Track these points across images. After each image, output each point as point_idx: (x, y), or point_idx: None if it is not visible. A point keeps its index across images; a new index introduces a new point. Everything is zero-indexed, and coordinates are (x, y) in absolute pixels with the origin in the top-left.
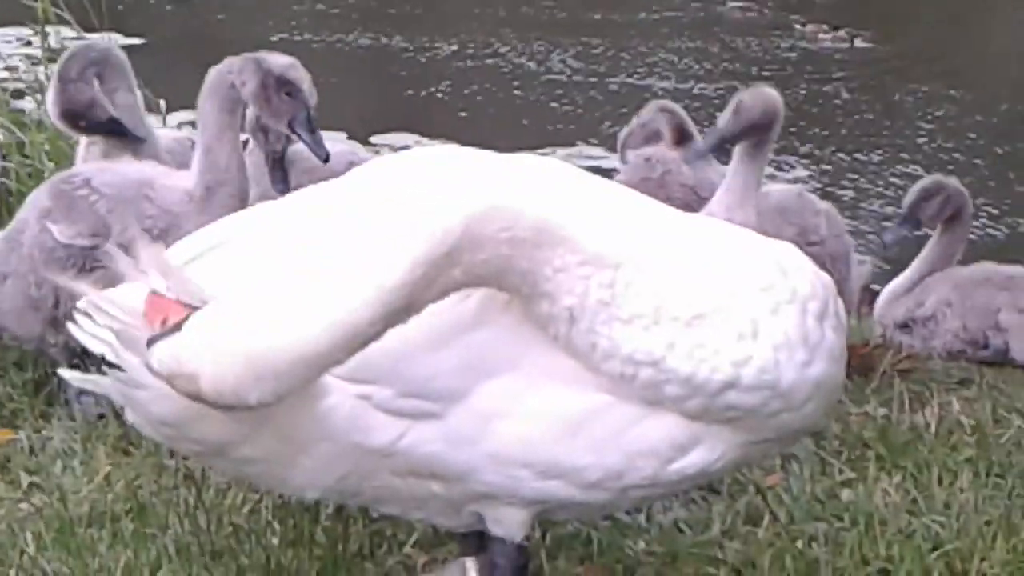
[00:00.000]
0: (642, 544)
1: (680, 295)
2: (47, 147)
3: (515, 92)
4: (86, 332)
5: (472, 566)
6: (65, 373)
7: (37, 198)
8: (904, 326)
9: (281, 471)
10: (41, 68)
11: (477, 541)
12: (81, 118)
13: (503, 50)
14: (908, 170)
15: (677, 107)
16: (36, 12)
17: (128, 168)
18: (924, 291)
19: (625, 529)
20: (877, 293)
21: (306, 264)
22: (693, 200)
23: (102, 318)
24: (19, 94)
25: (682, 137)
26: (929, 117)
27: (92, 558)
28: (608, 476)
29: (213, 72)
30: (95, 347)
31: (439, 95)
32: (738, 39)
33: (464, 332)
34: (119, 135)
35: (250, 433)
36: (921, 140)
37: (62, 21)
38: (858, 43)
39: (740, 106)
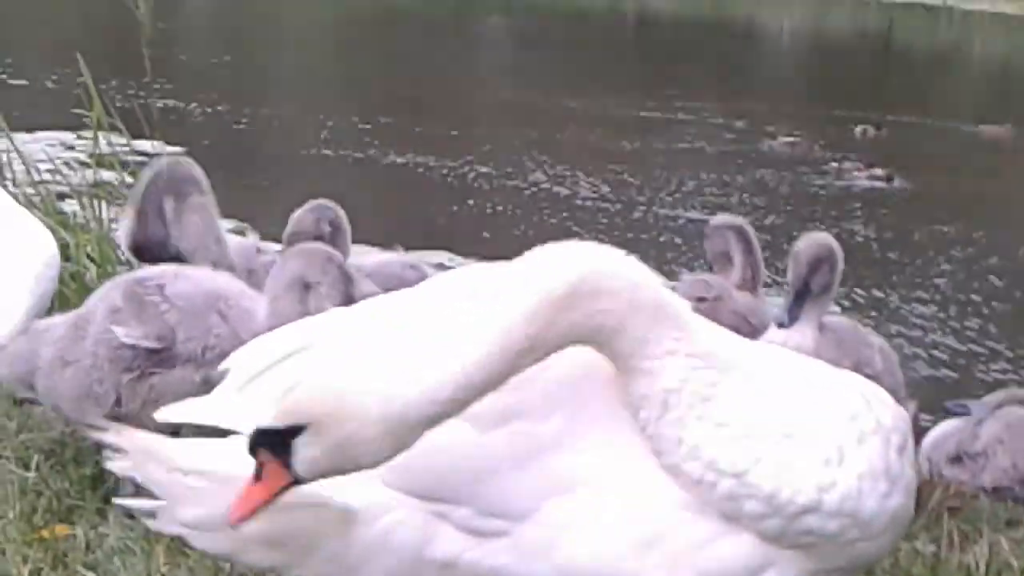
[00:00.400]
0: None
1: (772, 414)
2: (90, 249)
3: (544, 215)
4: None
5: None
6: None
7: (108, 294)
8: (956, 459)
9: None
10: (89, 171)
11: None
12: (149, 253)
13: (534, 174)
14: (926, 310)
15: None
16: (77, 117)
17: (203, 277)
18: (978, 426)
19: None
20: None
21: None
22: (744, 327)
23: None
24: (61, 196)
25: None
26: (951, 258)
27: None
28: None
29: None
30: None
31: (469, 214)
32: (773, 173)
33: (543, 453)
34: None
35: (302, 558)
36: (940, 280)
37: (112, 128)
38: (896, 183)
39: (796, 255)
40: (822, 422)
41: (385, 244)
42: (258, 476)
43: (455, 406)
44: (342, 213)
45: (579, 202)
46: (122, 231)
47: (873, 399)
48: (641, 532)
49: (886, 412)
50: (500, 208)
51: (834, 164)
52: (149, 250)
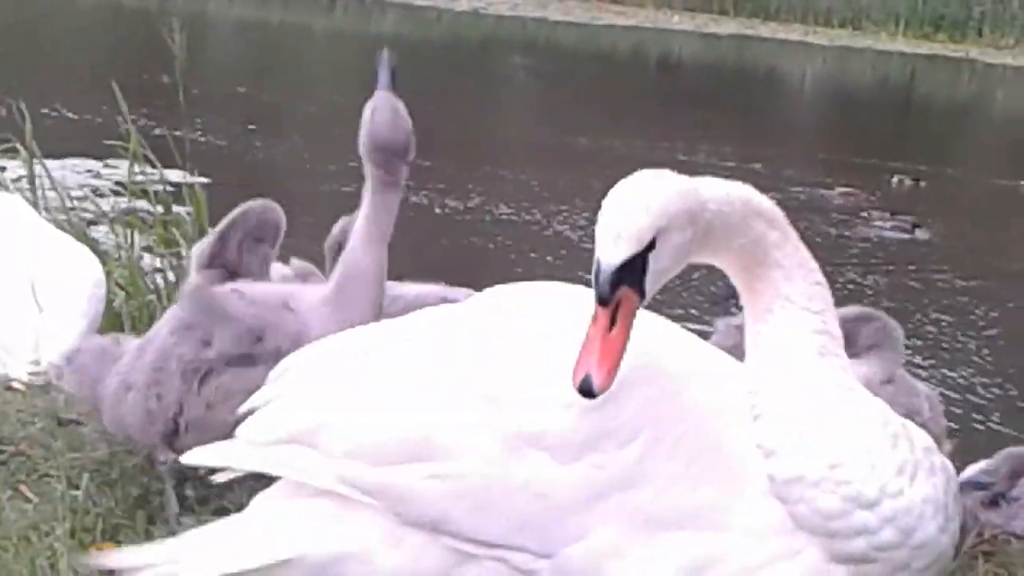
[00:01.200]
0: None
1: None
2: (118, 276)
3: (563, 256)
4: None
5: None
6: None
7: (174, 312)
8: (993, 503)
9: None
10: (118, 199)
11: None
12: (222, 268)
13: (556, 216)
14: (940, 362)
15: None
16: (104, 146)
17: (269, 286)
18: (1013, 473)
19: None
20: None
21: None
22: None
23: None
24: (90, 223)
25: None
26: (973, 310)
27: None
28: None
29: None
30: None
31: (488, 252)
32: (818, 220)
33: (614, 492)
34: None
35: None
36: (959, 335)
37: (143, 158)
38: (918, 233)
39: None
40: (901, 439)
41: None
42: (611, 322)
43: None
44: None
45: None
46: (198, 248)
47: (932, 444)
48: (690, 559)
49: (944, 460)
50: (522, 247)
51: (871, 212)
52: (224, 268)
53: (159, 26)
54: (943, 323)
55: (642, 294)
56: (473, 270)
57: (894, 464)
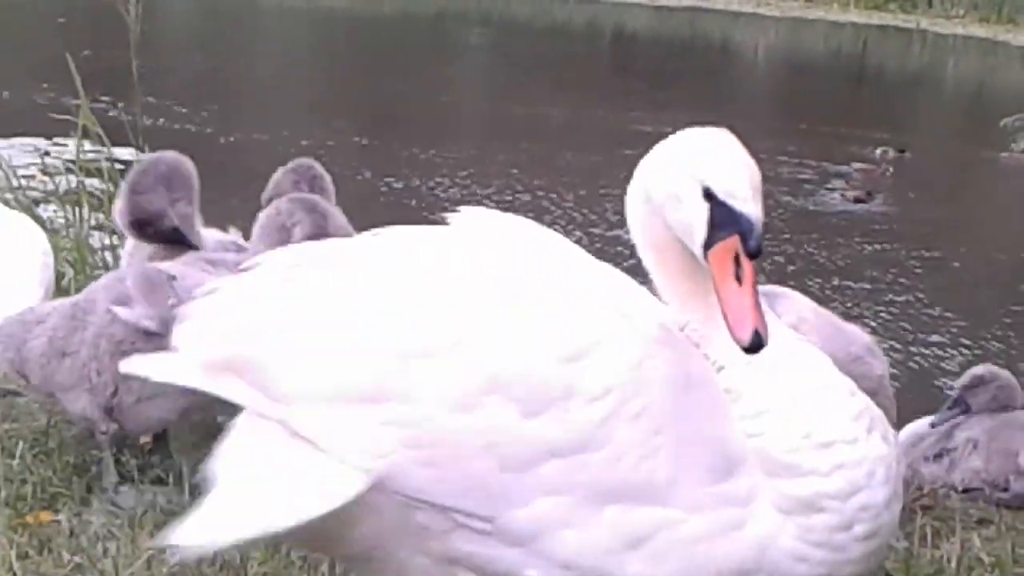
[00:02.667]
0: None
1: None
2: (67, 254)
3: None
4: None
5: None
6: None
7: (112, 283)
8: (937, 456)
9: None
10: (67, 177)
11: None
12: (149, 227)
13: (521, 190)
14: (901, 331)
15: None
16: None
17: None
18: (953, 427)
19: None
20: None
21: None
22: None
23: None
24: (37, 202)
25: None
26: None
27: None
28: None
29: (263, 215)
30: None
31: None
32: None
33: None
34: (179, 243)
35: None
36: (913, 303)
37: (93, 135)
38: (873, 204)
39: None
40: (859, 396)
41: None
42: (737, 279)
43: None
44: (323, 172)
45: (566, 215)
46: (119, 207)
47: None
48: (631, 529)
49: (895, 435)
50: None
51: (826, 181)
52: (149, 224)
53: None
54: (898, 289)
55: None
56: None
57: (852, 413)
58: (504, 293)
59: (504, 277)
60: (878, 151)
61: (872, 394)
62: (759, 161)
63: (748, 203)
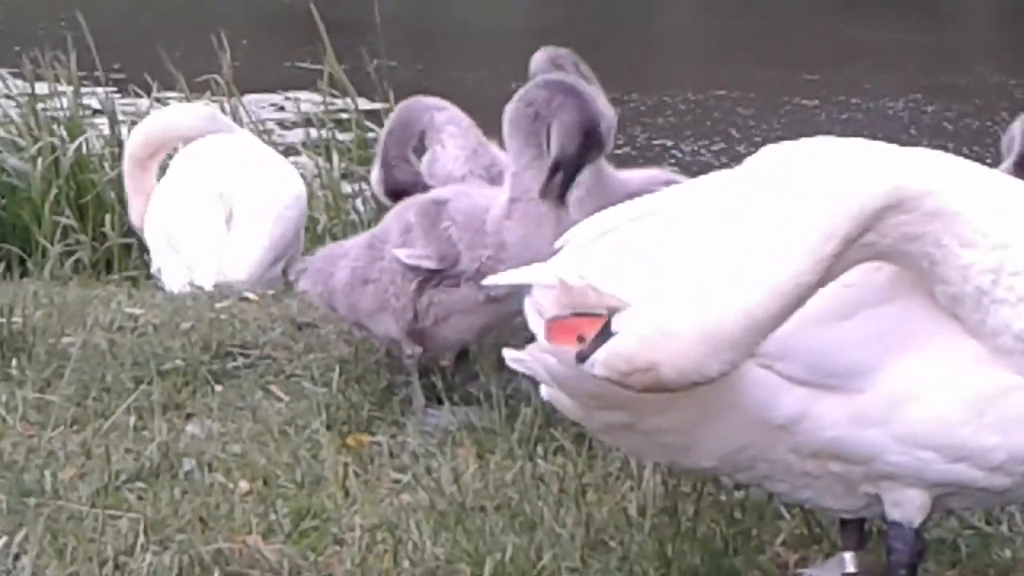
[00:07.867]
0: (1008, 552)
1: None
2: (320, 203)
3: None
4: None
5: (851, 561)
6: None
7: (402, 214)
8: None
9: (686, 440)
10: (311, 130)
11: (857, 535)
12: (406, 194)
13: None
14: None
15: None
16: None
17: (476, 193)
18: None
19: (989, 538)
20: None
21: (731, 238)
22: None
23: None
24: (286, 153)
25: None
26: None
27: (481, 542)
28: (1012, 459)
29: (510, 108)
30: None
31: None
32: None
33: (873, 306)
34: None
35: (667, 405)
36: None
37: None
38: None
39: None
40: None
41: None
42: None
43: (777, 322)
44: (583, 64)
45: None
46: (374, 182)
47: None
48: (977, 397)
49: None
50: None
51: None
52: (406, 192)
53: None
54: None
55: None
56: None
57: None
58: None
59: None
60: None
61: None
62: None
63: None
